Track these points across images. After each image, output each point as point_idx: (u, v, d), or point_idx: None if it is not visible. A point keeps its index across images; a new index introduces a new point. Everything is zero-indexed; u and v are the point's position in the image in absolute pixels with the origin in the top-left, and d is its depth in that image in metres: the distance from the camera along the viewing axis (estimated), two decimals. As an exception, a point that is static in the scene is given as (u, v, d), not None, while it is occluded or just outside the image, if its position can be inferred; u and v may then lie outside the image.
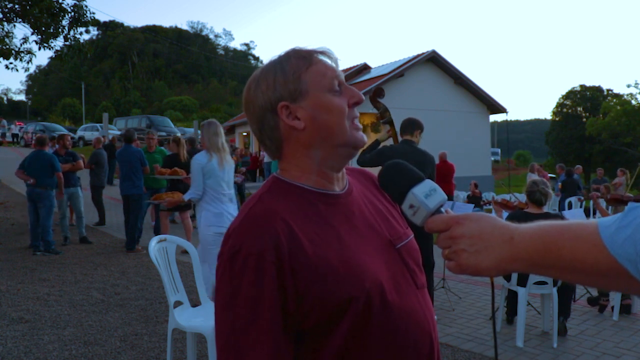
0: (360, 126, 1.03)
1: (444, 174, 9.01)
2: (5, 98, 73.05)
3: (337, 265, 0.92)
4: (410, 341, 0.96)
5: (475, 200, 12.17)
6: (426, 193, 0.90)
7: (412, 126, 4.30)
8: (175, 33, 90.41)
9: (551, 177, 16.12)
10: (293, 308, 0.90)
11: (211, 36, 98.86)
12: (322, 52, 1.02)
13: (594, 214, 10.45)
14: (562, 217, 4.01)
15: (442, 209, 0.91)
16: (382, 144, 4.27)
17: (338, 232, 0.97)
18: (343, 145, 1.00)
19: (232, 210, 4.16)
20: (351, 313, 0.91)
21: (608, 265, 0.71)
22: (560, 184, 11.69)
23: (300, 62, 0.99)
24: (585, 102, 41.45)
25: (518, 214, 4.09)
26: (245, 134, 29.49)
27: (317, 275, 0.90)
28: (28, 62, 11.22)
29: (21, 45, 10.96)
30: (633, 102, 30.70)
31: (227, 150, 4.23)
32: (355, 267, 0.94)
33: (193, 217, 9.18)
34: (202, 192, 4.09)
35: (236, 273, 0.89)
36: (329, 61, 1.02)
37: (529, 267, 0.80)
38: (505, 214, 4.89)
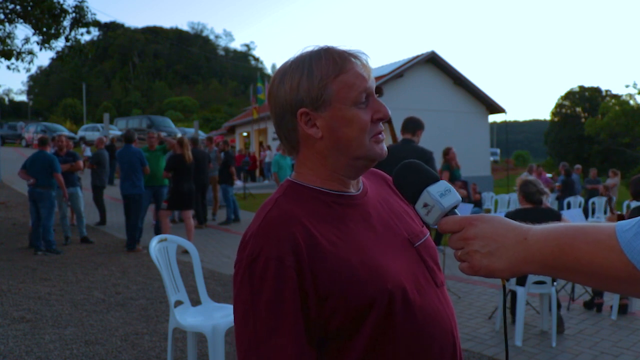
0: (383, 138, 1.00)
1: None
2: (6, 98, 73.05)
3: (358, 267, 0.91)
4: (434, 340, 0.95)
5: (474, 201, 12.16)
6: (441, 192, 0.89)
7: (414, 125, 4.30)
8: (176, 34, 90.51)
9: (551, 178, 16.14)
10: (315, 312, 0.88)
11: (211, 37, 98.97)
12: (356, 57, 0.97)
13: (593, 213, 10.48)
14: (558, 213, 4.08)
15: (456, 211, 0.90)
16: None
17: (356, 233, 0.96)
18: (360, 158, 0.97)
19: None
20: (374, 315, 0.90)
21: (626, 271, 0.69)
22: (558, 184, 11.70)
23: (331, 67, 0.94)
24: (583, 102, 41.45)
25: (516, 212, 4.12)
26: (245, 134, 29.48)
27: (338, 278, 0.89)
28: (29, 63, 11.24)
29: (22, 46, 10.97)
30: (631, 102, 30.70)
31: None
32: (376, 269, 0.92)
33: (194, 216, 9.21)
34: None
35: (256, 279, 0.88)
36: (361, 69, 0.96)
37: (543, 269, 0.78)
38: None
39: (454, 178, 7.66)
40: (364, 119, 0.95)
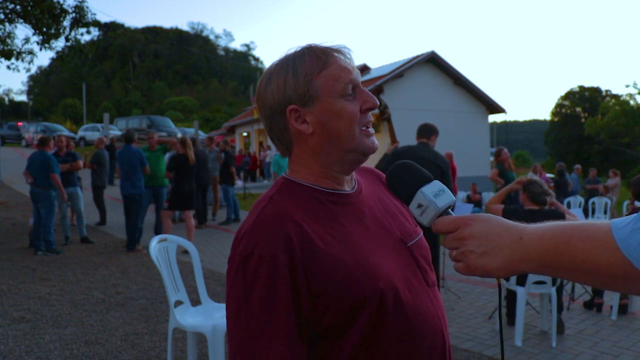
0: (372, 131, 1.00)
1: None
2: (6, 98, 73.03)
3: (351, 265, 0.91)
4: (424, 339, 0.96)
5: (474, 202, 12.17)
6: (435, 193, 0.89)
7: (429, 131, 4.53)
8: (176, 34, 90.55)
9: (551, 178, 16.14)
10: (307, 310, 0.89)
11: (211, 37, 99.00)
12: (339, 51, 0.98)
13: (593, 213, 10.48)
14: (562, 214, 3.98)
15: (451, 211, 0.90)
16: (389, 149, 4.45)
17: (349, 231, 0.96)
18: (352, 151, 0.98)
19: None
20: (365, 314, 0.91)
21: (622, 268, 0.68)
22: (553, 184, 11.71)
23: (314, 63, 0.96)
24: (583, 102, 41.40)
25: (519, 212, 4.05)
26: (245, 134, 29.47)
27: (331, 276, 0.89)
28: (29, 63, 11.23)
29: (22, 46, 10.96)
30: (631, 102, 30.68)
31: None
32: (369, 267, 0.93)
33: (194, 216, 9.21)
34: None
35: (249, 276, 0.88)
36: (345, 62, 0.98)
37: (539, 268, 0.77)
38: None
39: (507, 180, 7.45)
40: (352, 110, 0.96)
